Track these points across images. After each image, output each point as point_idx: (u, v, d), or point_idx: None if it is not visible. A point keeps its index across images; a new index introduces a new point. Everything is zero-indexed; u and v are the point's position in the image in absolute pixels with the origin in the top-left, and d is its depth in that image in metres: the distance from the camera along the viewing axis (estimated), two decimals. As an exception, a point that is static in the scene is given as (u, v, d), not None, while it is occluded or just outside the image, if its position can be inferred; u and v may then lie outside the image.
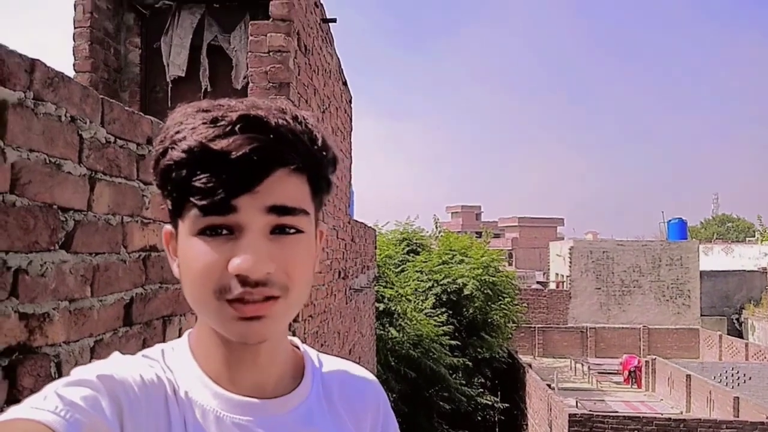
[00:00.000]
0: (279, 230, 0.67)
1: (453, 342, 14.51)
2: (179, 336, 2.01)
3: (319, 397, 0.79)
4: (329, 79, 5.38)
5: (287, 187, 0.67)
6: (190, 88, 4.53)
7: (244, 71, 4.27)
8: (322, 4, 4.88)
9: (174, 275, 0.73)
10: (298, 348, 0.83)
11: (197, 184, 0.63)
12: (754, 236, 47.77)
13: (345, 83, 6.40)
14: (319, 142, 0.70)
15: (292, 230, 0.68)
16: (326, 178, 0.73)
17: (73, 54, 4.19)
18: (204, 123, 0.65)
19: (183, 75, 4.46)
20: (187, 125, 0.66)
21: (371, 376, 0.88)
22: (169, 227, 0.73)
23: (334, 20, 4.97)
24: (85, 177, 1.47)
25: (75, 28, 4.14)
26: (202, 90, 4.44)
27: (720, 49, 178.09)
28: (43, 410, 0.56)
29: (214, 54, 4.49)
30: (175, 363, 0.73)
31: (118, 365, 0.68)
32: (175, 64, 4.44)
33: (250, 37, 3.75)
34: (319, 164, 0.71)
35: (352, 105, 7.12)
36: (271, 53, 3.74)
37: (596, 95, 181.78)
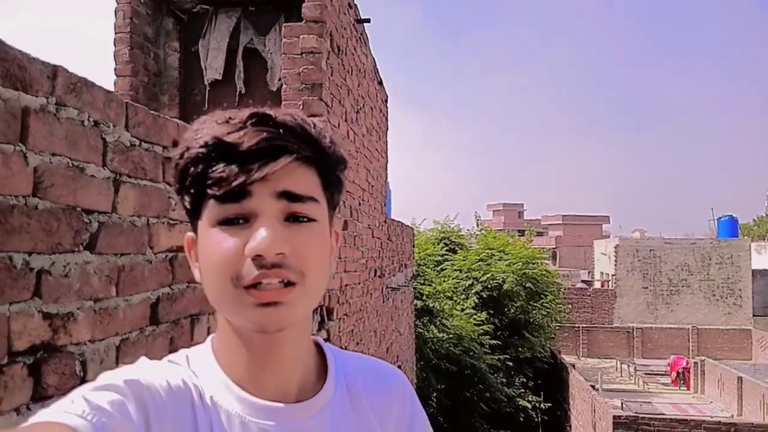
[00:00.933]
0: (292, 218, 0.70)
1: (493, 341, 14.35)
2: (208, 334, 2.05)
3: (343, 398, 0.79)
4: (364, 79, 5.39)
5: (296, 175, 0.70)
6: (227, 91, 4.61)
7: (279, 73, 4.32)
8: (356, 5, 4.89)
9: (197, 280, 0.75)
10: (319, 346, 0.83)
11: (213, 174, 0.67)
12: (811, 233, 45.82)
13: (380, 83, 6.40)
14: (327, 140, 0.74)
15: (305, 219, 0.71)
16: (336, 174, 0.76)
17: (114, 59, 4.31)
18: (218, 122, 0.70)
19: (220, 78, 4.54)
20: (203, 128, 0.70)
21: (395, 369, 0.89)
22: (190, 234, 0.76)
23: (368, 20, 4.97)
24: (110, 180, 1.51)
25: (116, 33, 4.26)
26: (238, 92, 4.51)
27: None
28: (70, 414, 0.57)
29: (249, 56, 4.56)
30: (200, 368, 0.75)
31: (145, 370, 0.70)
32: (212, 67, 4.52)
33: (283, 39, 3.79)
34: (327, 158, 0.74)
35: (389, 104, 7.12)
36: (303, 54, 3.77)
37: (645, 92, 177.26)
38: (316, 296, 0.73)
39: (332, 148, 0.75)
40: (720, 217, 31.54)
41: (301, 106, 3.80)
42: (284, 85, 3.80)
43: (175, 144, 1.85)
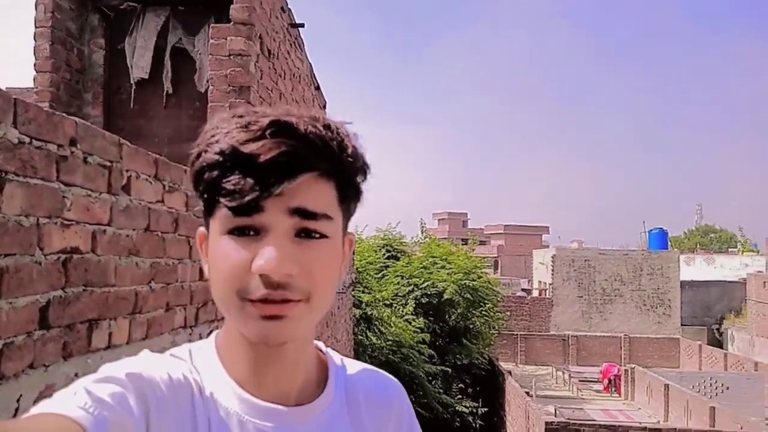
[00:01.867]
0: (304, 234, 0.69)
1: (431, 351, 14.48)
2: (109, 339, 1.98)
3: (341, 405, 0.80)
4: (299, 84, 5.37)
5: (312, 191, 0.69)
6: (155, 90, 4.51)
7: (208, 74, 4.25)
8: (290, 9, 4.87)
9: (205, 276, 0.74)
10: (321, 351, 0.84)
11: (227, 185, 0.66)
12: (735, 247, 48.24)
13: (318, 88, 6.39)
14: (350, 150, 0.71)
15: (317, 235, 0.69)
16: (355, 185, 0.74)
17: (34, 54, 4.15)
18: (237, 127, 0.68)
19: (146, 77, 4.43)
20: (222, 129, 0.68)
21: (395, 381, 0.88)
22: (202, 229, 0.75)
23: (302, 25, 4.96)
24: (-6, 177, 1.45)
25: (36, 27, 4.11)
26: (165, 92, 4.41)
27: (704, 59, 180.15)
28: (72, 405, 0.57)
29: (178, 56, 4.47)
30: (202, 364, 0.75)
31: (147, 363, 0.70)
32: (139, 65, 4.41)
33: (211, 40, 3.74)
34: (347, 171, 0.72)
35: (326, 110, 7.12)
36: (231, 57, 3.73)
37: (584, 106, 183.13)
38: (321, 311, 0.72)
39: (354, 159, 0.72)
40: (651, 230, 32.84)
41: (228, 108, 3.75)
42: (211, 87, 3.75)
43: (73, 143, 1.80)
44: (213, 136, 0.69)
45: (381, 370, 0.89)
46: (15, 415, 1.54)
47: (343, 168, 0.71)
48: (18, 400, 1.55)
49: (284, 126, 0.67)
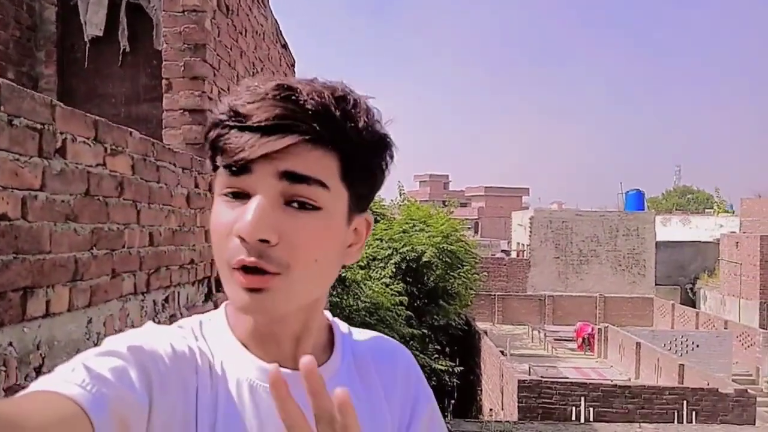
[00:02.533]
0: (297, 204, 0.66)
1: (408, 312, 14.61)
2: (46, 309, 1.93)
3: (350, 368, 0.80)
4: (263, 42, 5.22)
5: (306, 157, 0.66)
6: (110, 48, 4.35)
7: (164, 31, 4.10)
8: (251, -37, 4.69)
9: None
10: (327, 319, 0.83)
11: (221, 142, 0.67)
12: (712, 208, 48.99)
13: (285, 46, 6.23)
14: (360, 124, 0.68)
15: (310, 206, 0.67)
16: (363, 161, 0.70)
17: (-20, 9, 3.96)
18: (246, 90, 0.68)
19: (101, 34, 4.26)
20: (239, 91, 0.69)
21: (402, 347, 0.88)
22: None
23: (265, -20, 4.79)
24: None
25: (-19, -19, 3.91)
26: (122, 50, 4.26)
27: (682, 20, 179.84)
28: (69, 383, 0.56)
29: (135, 12, 4.30)
30: (211, 332, 0.75)
31: (150, 335, 0.69)
32: (93, 23, 4.24)
33: (165, -4, 3.59)
34: (351, 143, 0.68)
35: (296, 69, 6.96)
36: (186, 13, 3.59)
37: (564, 68, 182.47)
38: (305, 289, 0.70)
39: (363, 132, 0.69)
40: (628, 191, 33.16)
41: (183, 67, 3.63)
42: (165, 45, 3.62)
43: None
44: (232, 96, 0.69)
45: (389, 338, 0.90)
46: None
47: (347, 139, 0.68)
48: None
49: (287, 90, 0.66)
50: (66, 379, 0.57)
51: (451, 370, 16.35)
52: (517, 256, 31.59)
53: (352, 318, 12.49)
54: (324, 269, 0.71)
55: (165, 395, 0.64)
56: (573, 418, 11.81)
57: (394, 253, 16.46)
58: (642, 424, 5.52)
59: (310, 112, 0.66)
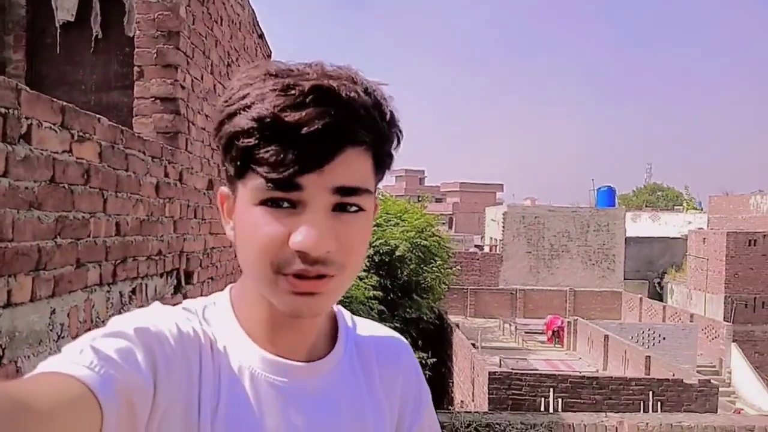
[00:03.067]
0: (340, 207, 0.66)
1: (381, 306, 14.65)
2: (8, 298, 1.89)
3: (351, 361, 0.79)
4: (239, 31, 5.16)
5: (354, 166, 0.66)
6: (82, 34, 4.25)
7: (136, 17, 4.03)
8: (226, -49, 4.63)
9: (229, 238, 0.73)
10: (332, 310, 0.83)
11: (265, 155, 0.63)
12: (681, 205, 49.98)
13: (261, 36, 6.17)
14: (388, 117, 0.68)
15: (354, 208, 0.67)
16: (390, 154, 0.72)
17: (-56, -9, 3.84)
18: (274, 90, 0.63)
19: (72, 19, 4.17)
20: (255, 90, 0.64)
21: (404, 343, 0.88)
22: (225, 189, 0.72)
23: (239, -32, 4.73)
24: None
25: (-56, -40, 3.79)
26: (94, 36, 4.17)
27: (656, 19, 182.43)
28: (78, 364, 0.56)
29: (106, -2, 4.21)
30: (215, 317, 0.74)
31: (156, 316, 0.69)
32: (64, 7, 4.14)
33: (137, -19, 3.52)
34: (385, 141, 0.69)
35: (271, 59, 6.90)
36: (160, 0, 3.53)
37: (539, 64, 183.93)
38: (351, 282, 0.72)
39: (391, 126, 0.69)
40: (599, 188, 33.65)
41: (156, 55, 3.57)
42: (138, 31, 3.56)
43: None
44: (245, 96, 0.65)
45: (392, 331, 0.89)
46: None
47: (382, 137, 0.68)
48: None
49: (327, 92, 0.63)
50: (74, 361, 0.57)
51: (423, 362, 16.46)
52: (490, 250, 31.88)
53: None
54: (363, 262, 0.74)
55: (170, 377, 0.64)
56: (542, 408, 11.98)
57: (368, 247, 16.51)
58: (608, 413, 5.64)
59: (354, 117, 0.64)
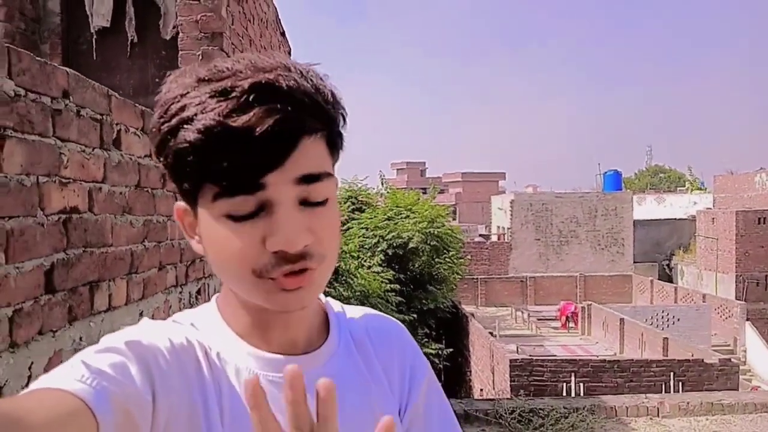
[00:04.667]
0: (306, 202, 0.65)
1: (399, 299, 14.67)
2: (109, 302, 1.92)
3: (348, 347, 0.79)
4: (266, 29, 5.18)
5: (311, 153, 0.65)
6: (117, 39, 4.27)
7: (174, 20, 4.04)
8: (255, -50, 4.64)
9: (197, 252, 0.71)
10: (319, 299, 0.82)
11: (219, 167, 0.60)
12: (684, 186, 49.90)
13: (283, 33, 6.18)
14: (330, 99, 0.67)
15: (320, 199, 0.66)
16: (340, 133, 0.71)
17: (-16, 1, 3.85)
18: (213, 96, 0.60)
19: (108, 25, 4.18)
20: (192, 99, 0.61)
21: (395, 320, 0.88)
22: (181, 204, 0.69)
23: (268, -33, 4.74)
24: (-9, 134, 1.35)
25: (-17, -28, 3.80)
26: (129, 41, 4.18)
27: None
28: (70, 379, 0.55)
29: (141, 2, 4.22)
30: (205, 326, 0.73)
31: (147, 331, 0.68)
32: (99, 13, 4.16)
33: (179, -16, 3.54)
34: (334, 123, 0.68)
35: (291, 57, 6.91)
36: (202, 1, 3.54)
37: (534, 52, 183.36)
38: (332, 270, 0.72)
39: (335, 106, 0.68)
40: (606, 172, 33.62)
41: (201, 56, 3.59)
42: (181, 34, 3.57)
43: (66, 95, 1.68)
44: (183, 107, 0.62)
45: (381, 313, 0.89)
46: (28, 384, 1.48)
47: (330, 121, 0.68)
48: (30, 368, 1.50)
49: (267, 87, 0.61)
50: (66, 376, 0.56)
51: (440, 353, 16.52)
52: (498, 239, 31.88)
53: (343, 307, 12.50)
54: (339, 248, 0.73)
55: (168, 389, 0.63)
56: (564, 393, 12.03)
57: (381, 240, 16.48)
58: (648, 395, 5.68)
59: (301, 107, 0.63)
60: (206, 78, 0.62)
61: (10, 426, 0.47)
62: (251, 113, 0.59)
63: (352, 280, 12.97)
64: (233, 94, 0.60)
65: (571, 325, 22.83)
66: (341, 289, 12.46)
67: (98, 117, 1.86)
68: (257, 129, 0.59)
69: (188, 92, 0.62)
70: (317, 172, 0.65)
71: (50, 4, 4.16)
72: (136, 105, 2.18)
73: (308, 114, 0.63)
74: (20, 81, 1.44)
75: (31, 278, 1.48)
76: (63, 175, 1.64)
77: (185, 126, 0.61)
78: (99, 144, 1.87)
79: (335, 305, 0.84)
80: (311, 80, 0.65)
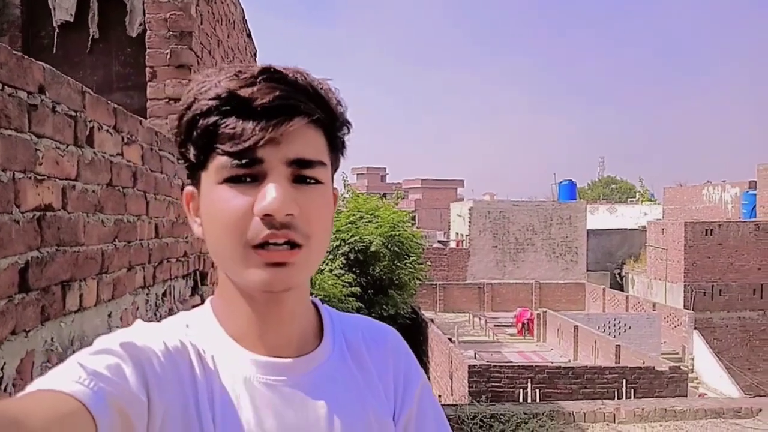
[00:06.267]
0: (299, 180, 0.69)
1: (359, 304, 14.67)
2: (80, 302, 1.87)
3: (342, 351, 0.80)
4: (233, 30, 5.13)
5: (306, 138, 0.70)
6: (80, 35, 4.16)
7: (140, 17, 3.97)
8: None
9: (197, 235, 0.75)
10: (316, 306, 0.84)
11: (225, 129, 0.67)
12: (635, 197, 51.35)
13: (249, 35, 6.13)
14: (334, 101, 0.73)
15: (312, 180, 0.70)
16: (341, 137, 0.76)
17: (-60, -10, 3.71)
18: (228, 76, 0.69)
19: (71, 20, 4.08)
20: (211, 81, 0.69)
21: (389, 326, 0.90)
22: (190, 188, 0.75)
23: (238, -32, 4.70)
24: (-32, 127, 1.30)
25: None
26: (91, 36, 4.09)
27: (602, 17, 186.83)
28: (67, 381, 0.56)
29: (106, -2, 4.13)
30: (200, 328, 0.74)
31: (142, 333, 0.69)
32: (62, 7, 4.05)
33: (148, -19, 3.48)
34: (335, 120, 0.74)
35: (257, 59, 6.86)
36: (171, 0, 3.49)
37: (492, 60, 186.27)
38: (319, 258, 0.74)
39: (339, 110, 0.74)
40: (561, 182, 34.34)
41: (169, 55, 3.54)
42: (149, 31, 3.51)
43: (42, 90, 1.64)
44: (203, 86, 0.69)
45: (375, 319, 0.91)
46: (-1, 384, 1.44)
47: (331, 117, 0.72)
48: (2, 369, 1.45)
49: (275, 73, 0.68)
50: (63, 378, 0.56)
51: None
52: (457, 245, 32.20)
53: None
54: (328, 239, 0.76)
55: (162, 390, 0.64)
56: (521, 399, 12.21)
57: (342, 243, 16.47)
58: (604, 401, 5.83)
59: (303, 93, 0.69)
60: (226, 68, 0.71)
61: (11, 427, 0.48)
62: (256, 87, 0.67)
63: (312, 285, 12.91)
64: (244, 75, 0.68)
65: (527, 331, 23.19)
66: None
67: (72, 114, 1.82)
68: (258, 100, 0.66)
69: (209, 77, 0.70)
70: (311, 158, 0.69)
71: (11, -4, 4.03)
72: (109, 102, 2.14)
73: (308, 100, 0.69)
74: (-2, 74, 1.40)
75: (5, 276, 1.44)
76: (38, 171, 1.60)
77: (200, 98, 0.69)
78: (73, 141, 1.83)
79: (329, 310, 0.85)
80: (319, 83, 0.72)
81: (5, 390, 1.42)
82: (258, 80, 0.67)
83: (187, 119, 0.70)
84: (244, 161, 0.67)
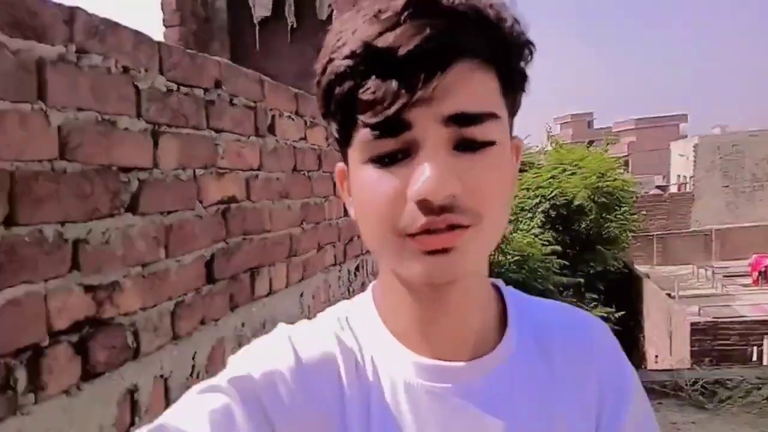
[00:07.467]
0: (464, 146, 0.54)
1: (563, 261, 13.96)
2: (270, 286, 1.94)
3: (529, 350, 0.65)
4: None
5: (470, 86, 0.53)
6: (277, 27, 4.40)
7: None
8: None
9: (351, 216, 0.62)
10: (497, 289, 0.69)
11: (364, 95, 0.52)
12: None
13: None
14: (508, 23, 0.55)
15: (479, 143, 0.54)
16: (520, 70, 0.57)
17: (162, 8, 4.15)
18: (365, 20, 0.52)
19: (269, 14, 4.32)
20: (348, 29, 0.53)
21: (592, 317, 0.72)
22: (341, 164, 0.62)
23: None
24: (147, 131, 1.37)
25: (160, -19, 4.08)
26: (289, 27, 4.30)
27: None
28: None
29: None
30: (360, 324, 0.64)
31: (271, 349, 0.60)
32: (261, 3, 4.31)
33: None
34: (509, 51, 0.55)
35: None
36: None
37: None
38: (494, 237, 0.58)
39: (515, 32, 0.55)
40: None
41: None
42: (335, 11, 3.57)
43: (218, 85, 1.68)
44: (338, 40, 0.54)
45: (573, 307, 0.73)
46: (192, 373, 1.53)
47: (505, 47, 0.54)
48: (193, 358, 1.54)
49: (424, 3, 0.50)
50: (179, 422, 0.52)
51: (610, 317, 15.66)
52: (678, 190, 29.22)
53: (499, 274, 12.20)
54: (507, 211, 0.59)
55: (291, 418, 0.56)
56: (754, 358, 10.86)
57: (542, 200, 15.78)
58: None
59: (462, 24, 0.51)
60: (365, 6, 0.54)
61: None
62: (399, 31, 0.50)
63: (508, 244, 12.57)
64: (385, 14, 0.51)
65: (765, 281, 20.46)
66: (497, 256, 12.15)
67: (251, 104, 1.86)
68: (401, 48, 0.50)
69: (345, 24, 0.54)
70: (475, 112, 0.53)
71: (218, 3, 4.38)
72: (290, 88, 2.17)
73: (470, 33, 0.52)
74: (171, 76, 1.45)
75: (191, 270, 1.52)
76: (219, 165, 1.66)
77: (333, 57, 0.53)
78: (254, 131, 1.87)
79: (517, 297, 0.69)
80: (488, 4, 0.53)
81: (198, 377, 1.51)
82: (402, 18, 0.51)
83: (323, 87, 0.56)
84: (387, 132, 0.53)
